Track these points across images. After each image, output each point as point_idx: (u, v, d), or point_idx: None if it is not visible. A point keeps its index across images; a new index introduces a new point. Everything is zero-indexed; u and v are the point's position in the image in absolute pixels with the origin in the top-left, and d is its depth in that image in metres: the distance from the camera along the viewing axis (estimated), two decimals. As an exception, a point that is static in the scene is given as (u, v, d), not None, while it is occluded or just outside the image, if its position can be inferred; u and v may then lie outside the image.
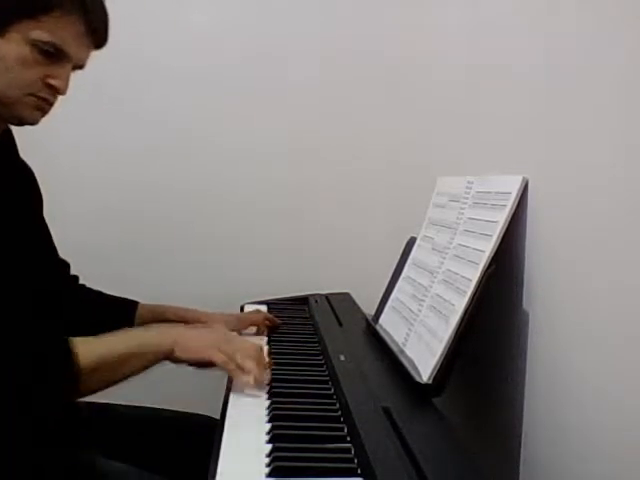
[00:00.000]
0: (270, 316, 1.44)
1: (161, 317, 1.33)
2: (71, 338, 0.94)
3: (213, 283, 1.90)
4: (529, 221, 1.01)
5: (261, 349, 1.07)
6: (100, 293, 1.33)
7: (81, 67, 1.04)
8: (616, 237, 0.81)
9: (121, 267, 1.86)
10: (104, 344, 0.97)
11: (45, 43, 0.94)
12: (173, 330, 1.07)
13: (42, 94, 0.98)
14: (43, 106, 1.00)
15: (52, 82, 0.97)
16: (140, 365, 0.99)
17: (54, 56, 0.96)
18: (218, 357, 1.01)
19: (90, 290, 1.33)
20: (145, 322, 1.32)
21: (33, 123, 1.01)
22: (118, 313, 1.31)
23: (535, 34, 1.05)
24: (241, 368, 1.00)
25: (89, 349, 0.94)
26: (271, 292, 1.70)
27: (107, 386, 0.97)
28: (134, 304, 1.33)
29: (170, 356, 1.01)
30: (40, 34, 0.94)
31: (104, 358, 0.95)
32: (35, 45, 0.94)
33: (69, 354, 0.91)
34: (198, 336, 1.06)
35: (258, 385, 1.00)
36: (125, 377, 0.98)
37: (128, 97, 1.87)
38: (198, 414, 1.24)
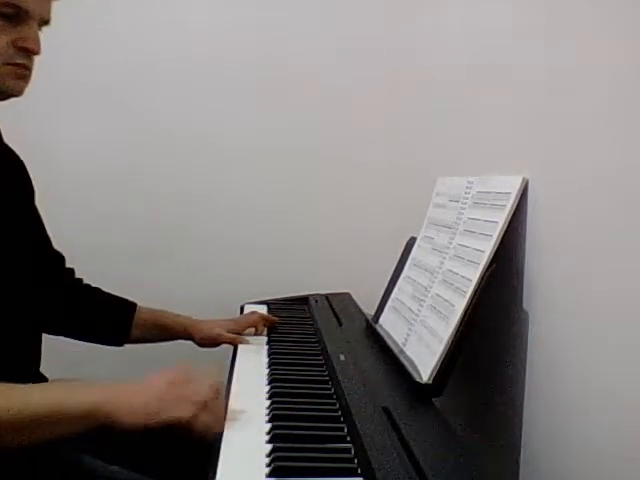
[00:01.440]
0: (267, 315, 1.44)
1: (159, 322, 1.33)
2: None
3: (213, 283, 1.90)
4: (529, 221, 1.01)
5: (216, 394, 0.89)
6: (99, 290, 1.32)
7: (47, 22, 1.01)
8: (616, 237, 0.81)
9: (121, 268, 1.86)
10: (18, 400, 0.82)
11: (1, 5, 0.92)
12: (113, 394, 0.85)
13: (18, 60, 0.95)
14: (23, 73, 0.97)
15: (23, 45, 0.95)
16: (60, 432, 0.83)
17: (15, 17, 0.94)
18: (167, 416, 0.83)
19: (88, 286, 1.31)
20: (144, 325, 1.31)
21: (18, 94, 0.98)
22: (117, 312, 1.30)
23: (535, 34, 1.05)
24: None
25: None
26: (271, 292, 1.70)
27: (25, 445, 0.83)
28: (133, 305, 1.32)
29: (111, 423, 0.83)
30: None
31: (15, 417, 0.80)
32: None
33: None
34: (141, 396, 0.85)
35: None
36: (48, 437, 0.83)
37: (128, 99, 1.87)
38: None
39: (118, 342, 1.31)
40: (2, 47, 0.93)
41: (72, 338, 1.28)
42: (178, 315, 1.35)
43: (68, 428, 0.83)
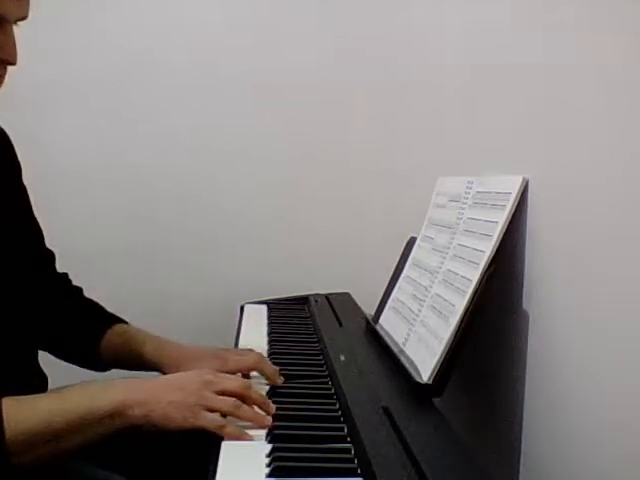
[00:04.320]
0: (264, 365, 1.07)
1: (133, 351, 1.10)
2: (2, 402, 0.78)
3: (213, 283, 1.90)
4: (529, 221, 1.01)
5: (249, 386, 0.90)
6: (78, 294, 1.21)
7: (24, 18, 0.88)
8: (616, 237, 0.81)
9: (122, 268, 1.86)
10: (39, 414, 0.80)
11: None
12: (141, 391, 0.83)
13: None
14: None
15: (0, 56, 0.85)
16: (89, 437, 0.82)
17: None
18: (207, 422, 0.83)
19: (72, 287, 1.22)
20: (114, 349, 1.14)
21: None
22: (84, 327, 1.16)
23: (534, 33, 1.05)
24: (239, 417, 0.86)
25: (19, 422, 0.78)
26: (271, 292, 1.70)
27: (49, 459, 0.81)
28: (105, 325, 1.14)
29: (141, 423, 0.82)
30: None
31: (37, 434, 0.79)
32: None
33: None
34: (176, 396, 0.83)
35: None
36: (75, 447, 0.82)
37: (124, 98, 1.87)
38: None
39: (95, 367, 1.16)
40: None
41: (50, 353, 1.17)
42: (162, 349, 1.10)
43: (99, 430, 0.82)
